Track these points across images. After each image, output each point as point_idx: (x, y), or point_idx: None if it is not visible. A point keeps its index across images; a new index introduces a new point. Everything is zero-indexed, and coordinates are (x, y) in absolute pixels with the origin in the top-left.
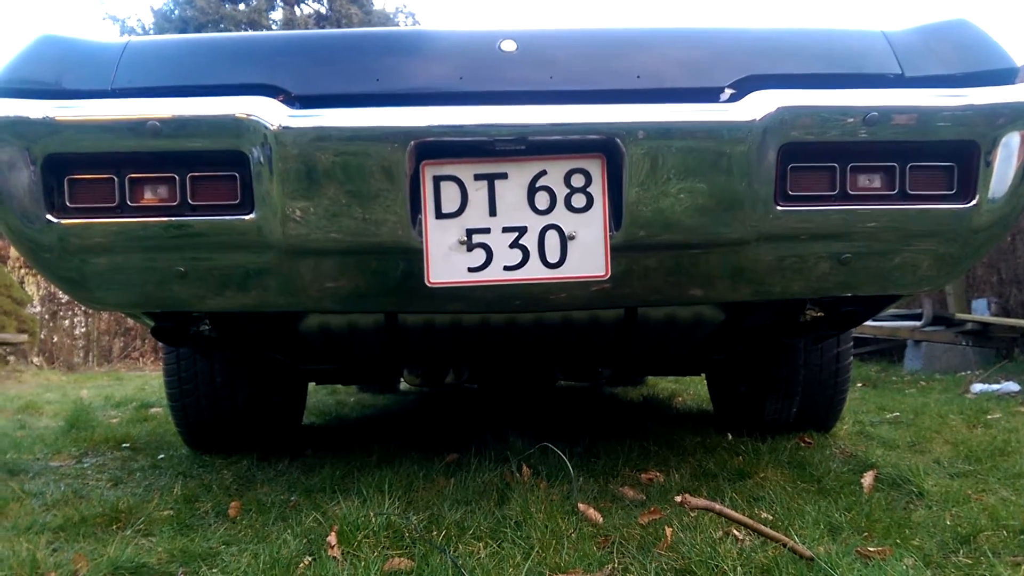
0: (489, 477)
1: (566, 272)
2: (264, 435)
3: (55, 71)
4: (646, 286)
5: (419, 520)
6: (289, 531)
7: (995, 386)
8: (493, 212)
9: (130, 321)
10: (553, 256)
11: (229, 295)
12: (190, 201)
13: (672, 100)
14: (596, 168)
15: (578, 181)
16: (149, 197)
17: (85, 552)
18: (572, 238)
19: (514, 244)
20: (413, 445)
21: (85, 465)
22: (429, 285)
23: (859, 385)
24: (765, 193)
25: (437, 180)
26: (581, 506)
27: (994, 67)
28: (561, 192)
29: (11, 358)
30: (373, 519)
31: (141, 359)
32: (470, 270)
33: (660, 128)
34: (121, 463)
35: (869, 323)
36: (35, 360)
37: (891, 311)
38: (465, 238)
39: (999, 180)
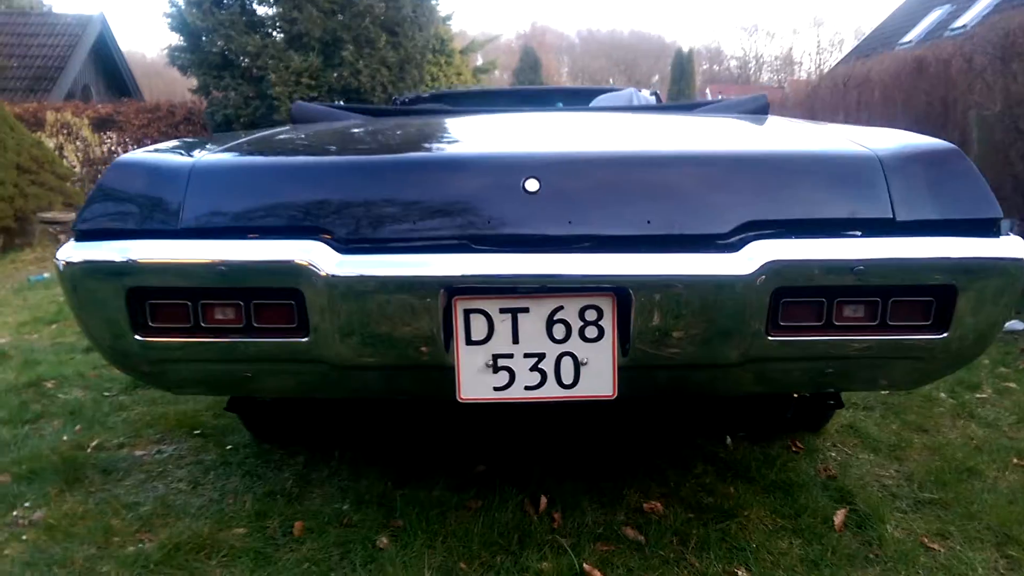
0: (512, 509)
1: (578, 392)
2: (317, 420)
3: (129, 214)
4: (648, 393)
5: None
6: (351, 572)
7: None
8: (516, 340)
9: None
10: (567, 379)
11: (287, 389)
12: (254, 324)
13: (679, 245)
14: (607, 305)
15: (591, 315)
16: (219, 318)
17: None
18: (584, 363)
19: (534, 368)
20: (449, 449)
21: (164, 455)
22: (460, 401)
23: None
24: (757, 326)
25: (467, 312)
26: (587, 566)
27: (981, 215)
28: (576, 324)
29: (62, 236)
30: None
31: None
32: (495, 389)
33: (665, 279)
34: (195, 454)
35: None
36: None
37: None
38: (491, 362)
39: (973, 314)
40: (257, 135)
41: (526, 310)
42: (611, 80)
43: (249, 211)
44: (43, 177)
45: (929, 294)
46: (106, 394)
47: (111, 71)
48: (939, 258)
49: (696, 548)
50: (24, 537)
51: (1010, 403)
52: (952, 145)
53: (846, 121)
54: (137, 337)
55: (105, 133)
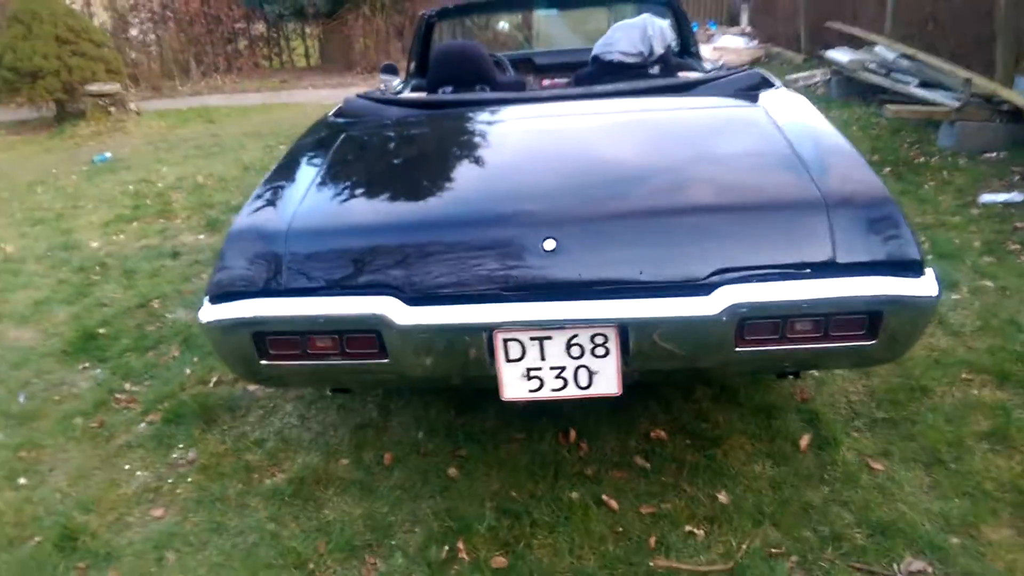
0: (548, 441)
1: (592, 391)
2: None
3: (245, 278)
4: (648, 384)
5: (508, 524)
6: (431, 500)
7: (1003, 196)
8: (543, 358)
9: (196, 29)
10: (583, 383)
11: (372, 385)
12: (347, 351)
13: (664, 290)
14: (612, 333)
15: (599, 340)
16: (321, 346)
17: (314, 526)
18: (596, 372)
19: (558, 376)
20: None
21: (272, 390)
22: (503, 399)
23: (886, 171)
24: (727, 343)
25: (506, 341)
26: (605, 497)
27: (906, 258)
28: (588, 346)
29: (112, 109)
30: (478, 527)
31: (219, 76)
32: (530, 391)
33: (652, 320)
34: (297, 388)
35: (906, 106)
36: (133, 106)
37: (936, 78)
38: (525, 373)
39: (896, 329)
40: (329, 162)
41: (550, 338)
42: None
43: (335, 272)
44: (82, 47)
45: (863, 314)
46: None
47: None
48: (870, 295)
49: (689, 474)
50: (189, 479)
51: (980, 306)
52: (886, 193)
53: None
54: (263, 362)
55: None
